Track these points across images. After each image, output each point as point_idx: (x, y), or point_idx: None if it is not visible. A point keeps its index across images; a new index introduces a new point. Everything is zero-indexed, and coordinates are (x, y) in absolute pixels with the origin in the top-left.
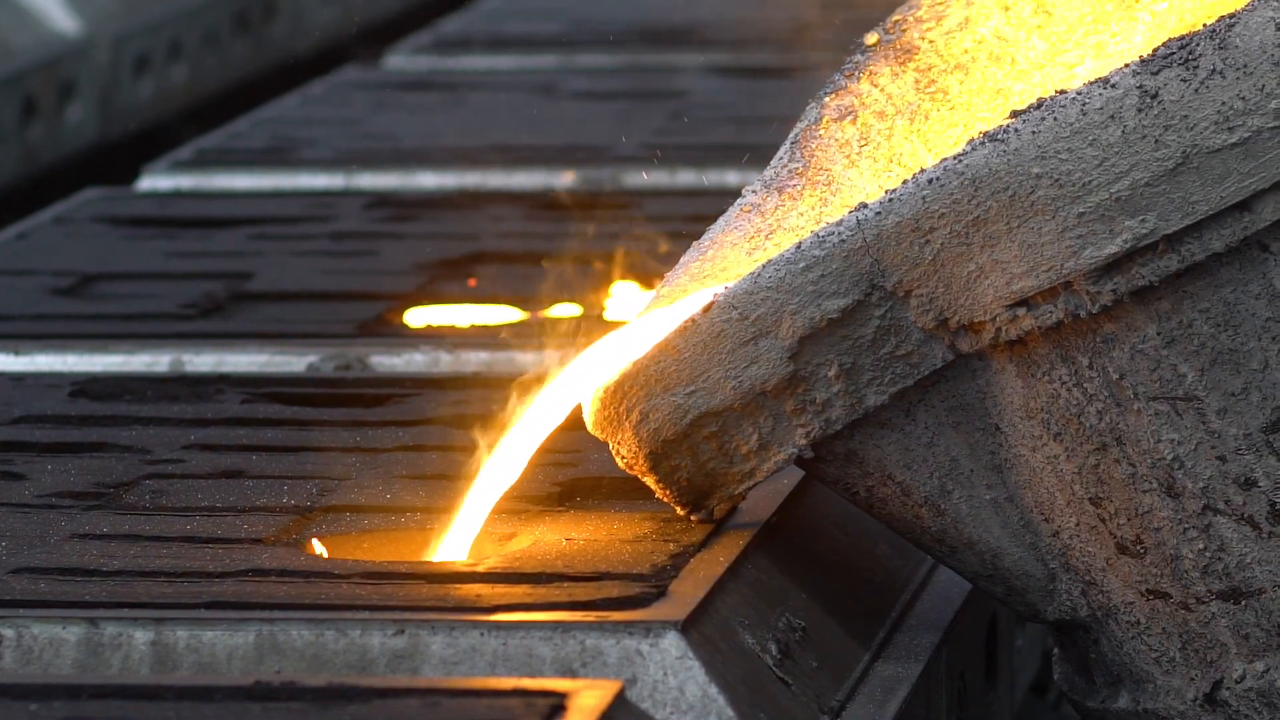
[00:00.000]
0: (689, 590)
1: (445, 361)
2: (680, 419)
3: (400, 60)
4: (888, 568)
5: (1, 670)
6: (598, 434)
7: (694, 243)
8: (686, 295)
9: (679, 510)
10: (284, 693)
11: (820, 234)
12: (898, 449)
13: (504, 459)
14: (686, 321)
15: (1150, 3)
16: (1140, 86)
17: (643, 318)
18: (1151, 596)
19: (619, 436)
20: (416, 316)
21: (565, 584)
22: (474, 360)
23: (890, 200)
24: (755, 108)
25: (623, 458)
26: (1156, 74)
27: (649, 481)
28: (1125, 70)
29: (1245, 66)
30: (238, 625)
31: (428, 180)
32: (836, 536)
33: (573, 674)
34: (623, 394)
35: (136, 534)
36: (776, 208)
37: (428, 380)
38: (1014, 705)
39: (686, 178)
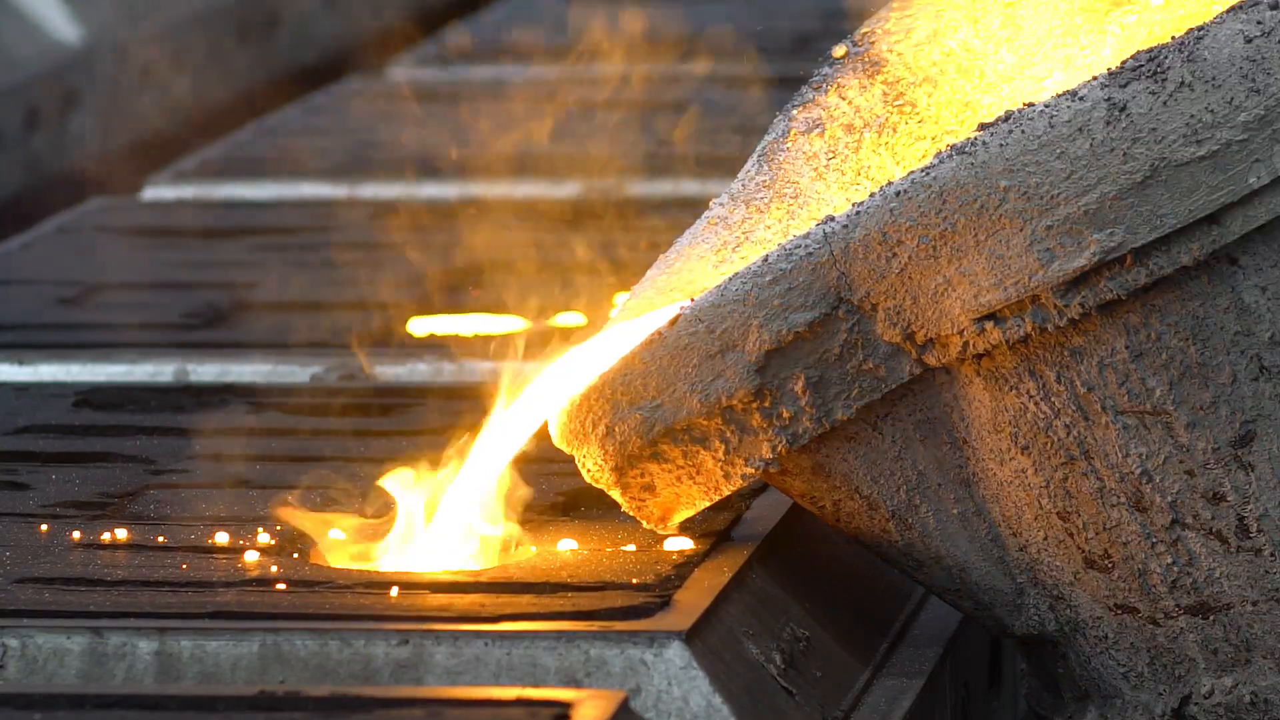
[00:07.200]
0: (693, 600)
1: (449, 371)
2: (645, 432)
3: (403, 70)
4: (891, 577)
5: (6, 680)
6: (563, 447)
7: (660, 255)
8: (652, 308)
9: (645, 524)
10: (288, 703)
11: (787, 247)
12: (864, 463)
13: (474, 474)
14: (652, 335)
15: (1120, 15)
16: (1109, 99)
17: (608, 331)
18: (1120, 611)
19: (584, 450)
20: (420, 326)
21: (569, 594)
22: (478, 370)
23: (857, 213)
24: (760, 117)
25: (588, 471)
26: (1125, 86)
27: (614, 495)
28: (1093, 83)
29: (1214, 79)
30: (242, 635)
31: (431, 190)
32: (840, 546)
33: (577, 684)
34: (588, 407)
35: (140, 544)
36: (744, 220)
37: (431, 390)
38: (1018, 713)
39: (691, 187)
